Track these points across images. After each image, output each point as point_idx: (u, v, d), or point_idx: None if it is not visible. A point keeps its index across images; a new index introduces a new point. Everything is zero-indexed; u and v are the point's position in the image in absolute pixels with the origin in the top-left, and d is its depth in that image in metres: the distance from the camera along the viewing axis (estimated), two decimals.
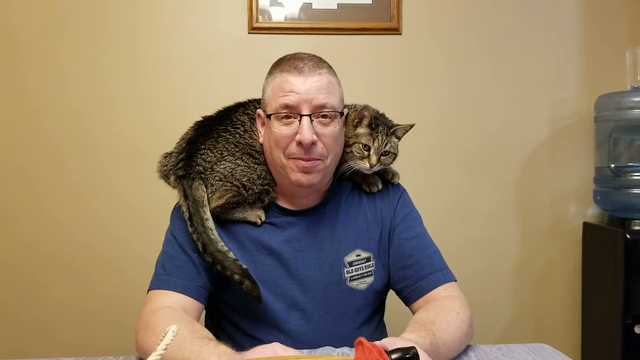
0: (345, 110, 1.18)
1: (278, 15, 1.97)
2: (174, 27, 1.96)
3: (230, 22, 1.97)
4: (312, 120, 1.08)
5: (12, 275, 1.96)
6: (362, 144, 1.18)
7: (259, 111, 1.17)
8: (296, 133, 1.08)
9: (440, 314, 1.05)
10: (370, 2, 1.98)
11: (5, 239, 1.95)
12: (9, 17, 1.92)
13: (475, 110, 2.05)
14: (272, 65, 1.16)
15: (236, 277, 1.09)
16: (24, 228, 1.95)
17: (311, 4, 1.97)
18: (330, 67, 1.15)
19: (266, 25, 1.97)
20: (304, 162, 1.10)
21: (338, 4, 1.98)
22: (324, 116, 1.10)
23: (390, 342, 0.84)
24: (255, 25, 1.96)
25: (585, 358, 2.05)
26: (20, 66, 1.93)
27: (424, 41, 2.02)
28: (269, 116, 1.12)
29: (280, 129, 1.10)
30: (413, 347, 0.79)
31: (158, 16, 1.95)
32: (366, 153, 1.17)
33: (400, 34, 2.00)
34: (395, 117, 1.26)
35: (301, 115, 1.08)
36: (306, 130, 1.07)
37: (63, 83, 1.94)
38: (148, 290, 1.12)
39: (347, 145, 1.19)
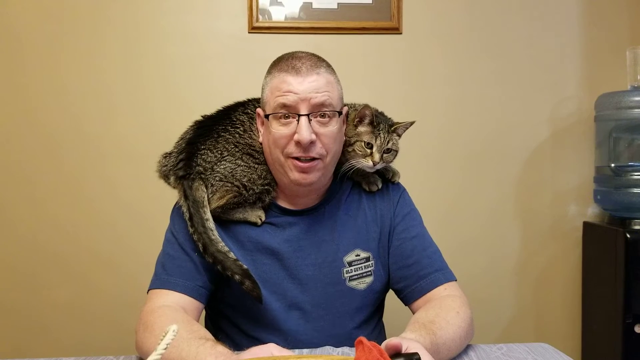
0: (345, 109, 1.18)
1: (278, 15, 1.97)
2: (174, 27, 1.96)
3: (231, 21, 1.97)
4: (310, 120, 1.08)
5: (12, 275, 1.96)
6: (365, 142, 1.17)
7: (259, 110, 1.17)
8: (294, 133, 1.08)
9: (440, 314, 1.05)
10: (371, 2, 1.98)
11: (5, 239, 1.95)
12: (9, 17, 1.92)
13: (475, 109, 2.05)
14: (271, 65, 1.15)
15: (237, 277, 1.09)
16: (24, 228, 1.95)
17: (311, 3, 1.97)
18: (328, 65, 1.14)
19: (266, 24, 1.96)
20: (301, 163, 1.09)
21: (338, 4, 1.97)
22: (323, 115, 1.09)
23: (397, 341, 0.84)
24: (256, 24, 1.96)
25: (586, 357, 2.04)
26: (20, 66, 1.93)
27: (424, 41, 2.02)
28: (267, 116, 1.12)
29: (279, 129, 1.09)
30: (416, 354, 0.79)
31: (158, 16, 1.95)
32: (369, 151, 1.17)
33: (401, 33, 2.00)
34: (396, 116, 1.26)
35: (299, 115, 1.08)
36: (304, 130, 1.06)
37: (63, 83, 1.94)
38: (148, 290, 1.12)
39: (348, 144, 1.19)
